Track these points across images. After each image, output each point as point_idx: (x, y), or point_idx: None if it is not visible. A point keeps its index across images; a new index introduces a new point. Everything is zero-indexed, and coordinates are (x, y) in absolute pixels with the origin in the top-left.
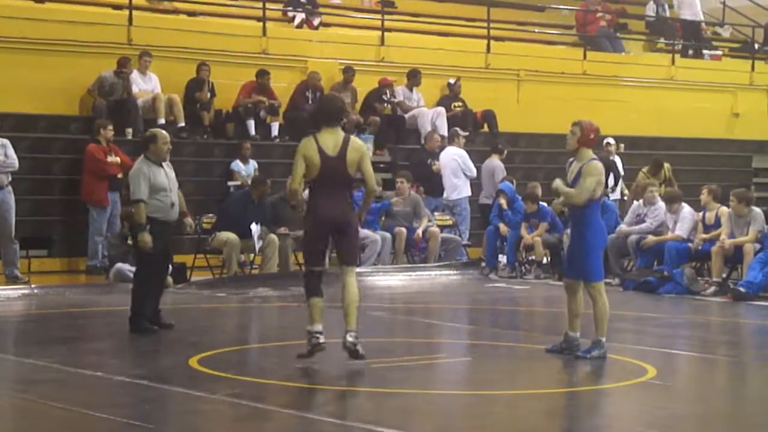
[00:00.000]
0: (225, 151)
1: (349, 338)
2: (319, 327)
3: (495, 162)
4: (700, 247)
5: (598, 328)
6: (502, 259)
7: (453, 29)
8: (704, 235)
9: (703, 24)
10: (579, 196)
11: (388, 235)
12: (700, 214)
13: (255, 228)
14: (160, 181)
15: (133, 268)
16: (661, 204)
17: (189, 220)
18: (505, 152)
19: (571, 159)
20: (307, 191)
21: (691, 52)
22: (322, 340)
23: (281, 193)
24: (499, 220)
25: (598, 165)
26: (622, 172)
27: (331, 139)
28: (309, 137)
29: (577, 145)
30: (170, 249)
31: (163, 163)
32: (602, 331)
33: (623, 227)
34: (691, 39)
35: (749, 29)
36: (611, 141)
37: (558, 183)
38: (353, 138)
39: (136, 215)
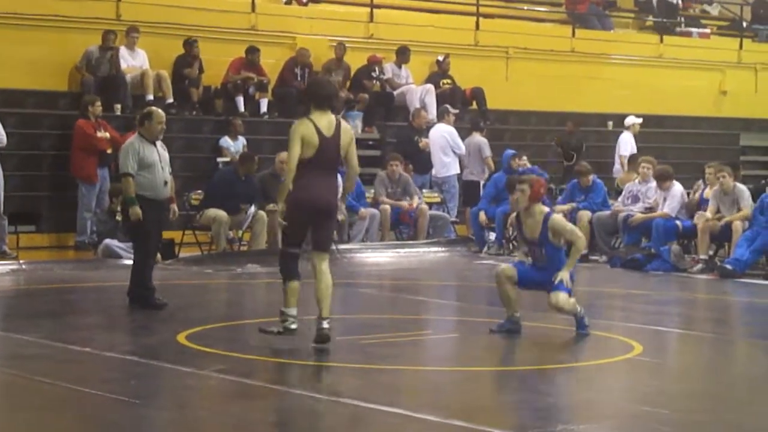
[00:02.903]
0: (214, 127)
1: (326, 325)
2: (294, 311)
3: (478, 138)
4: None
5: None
6: (491, 236)
7: (442, 6)
8: (709, 214)
9: (682, 3)
10: (581, 243)
11: (376, 212)
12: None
13: (250, 211)
14: (150, 158)
15: (122, 245)
16: (654, 182)
17: (174, 207)
18: (485, 129)
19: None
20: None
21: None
22: (294, 326)
23: (270, 169)
24: (488, 203)
25: (560, 217)
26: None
27: (324, 120)
28: (303, 119)
29: (528, 202)
30: (161, 226)
31: (157, 143)
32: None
33: (618, 206)
34: (666, 16)
35: (737, 7)
36: (637, 120)
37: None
38: (343, 121)
39: (124, 189)
